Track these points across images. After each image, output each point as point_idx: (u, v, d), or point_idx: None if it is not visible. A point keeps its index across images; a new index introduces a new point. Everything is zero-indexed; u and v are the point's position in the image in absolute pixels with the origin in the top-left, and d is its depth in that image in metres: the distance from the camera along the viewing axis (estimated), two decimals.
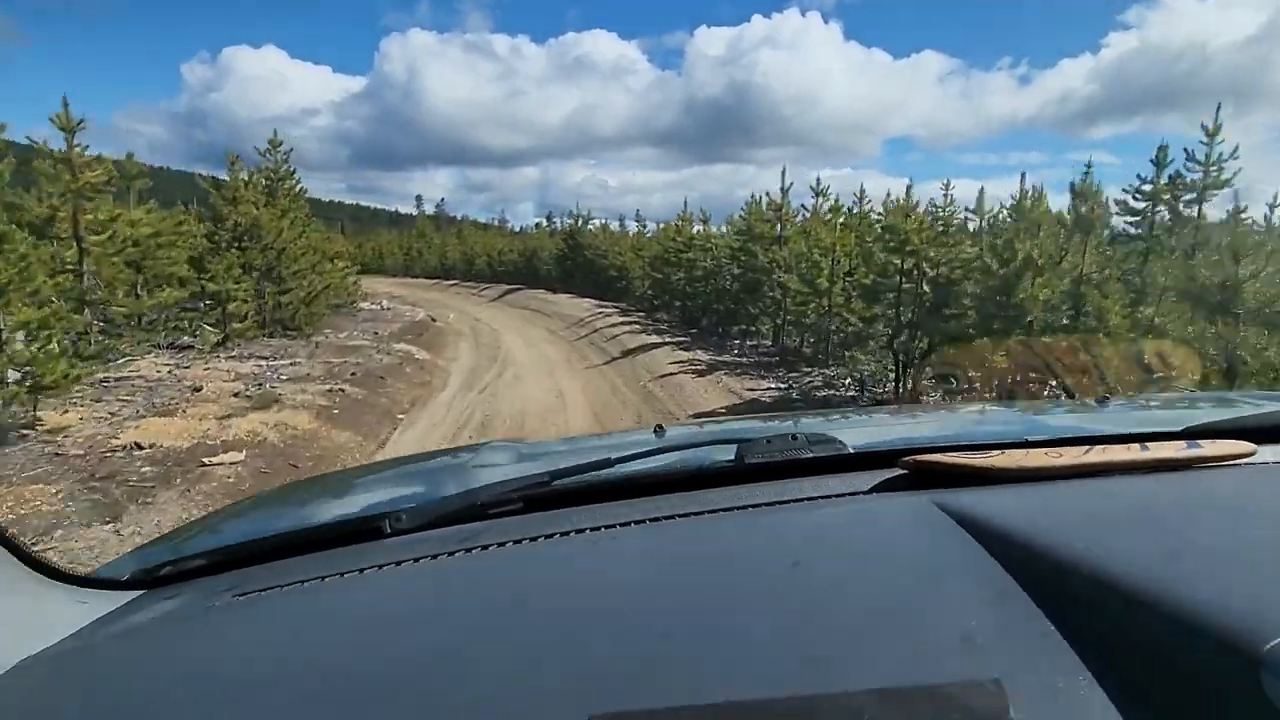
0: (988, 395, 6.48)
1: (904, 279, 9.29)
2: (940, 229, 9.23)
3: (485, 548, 0.71)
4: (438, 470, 1.28)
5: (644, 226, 22.08)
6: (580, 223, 25.43)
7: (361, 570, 0.69)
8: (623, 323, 16.24)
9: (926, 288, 9.15)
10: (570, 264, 25.50)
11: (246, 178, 11.84)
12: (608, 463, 0.84)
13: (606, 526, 0.72)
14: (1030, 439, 0.89)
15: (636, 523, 0.73)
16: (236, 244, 11.17)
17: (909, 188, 9.67)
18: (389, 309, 17.66)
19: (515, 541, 0.71)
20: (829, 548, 0.64)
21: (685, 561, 0.65)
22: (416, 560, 0.69)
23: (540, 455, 1.18)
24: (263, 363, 9.35)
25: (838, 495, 0.77)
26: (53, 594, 0.68)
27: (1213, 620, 0.42)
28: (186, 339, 10.19)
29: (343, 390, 7.95)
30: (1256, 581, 0.48)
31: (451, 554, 0.69)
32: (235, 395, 7.39)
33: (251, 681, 0.53)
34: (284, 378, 8.48)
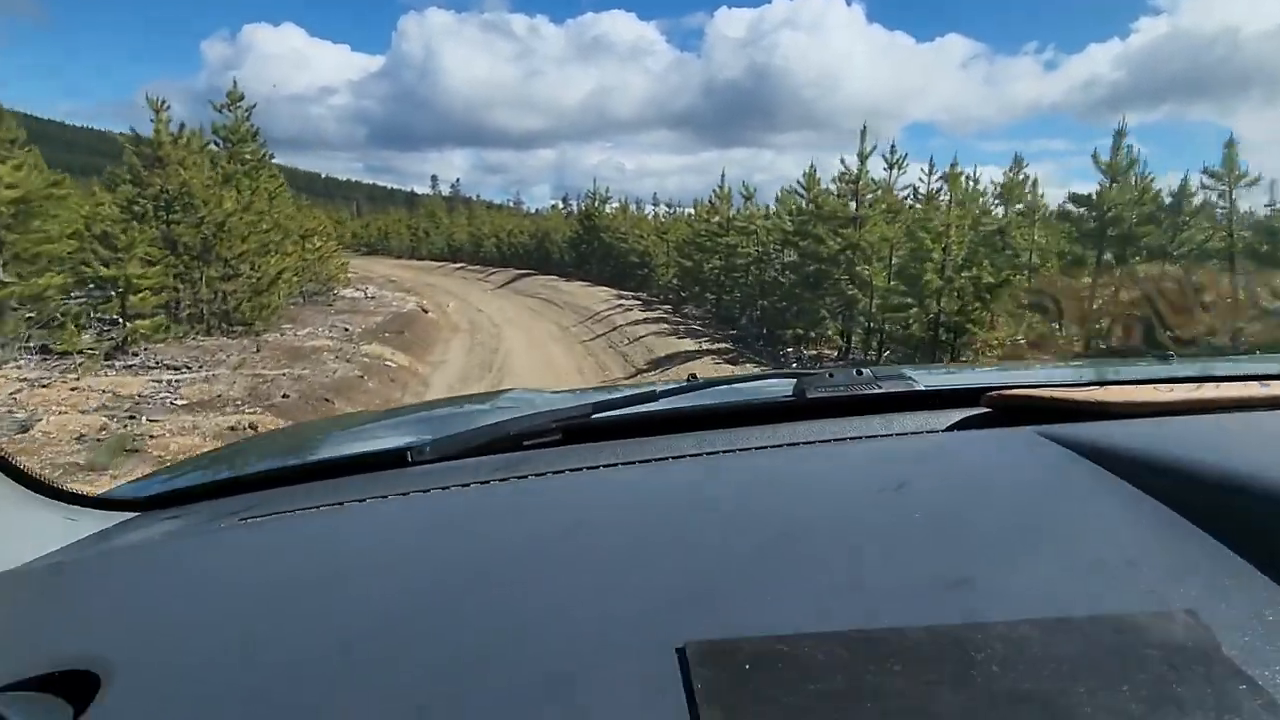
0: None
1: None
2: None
3: (523, 477, 0.63)
4: (461, 411, 1.15)
5: (670, 208, 19.34)
6: (597, 203, 22.80)
7: (385, 496, 0.62)
8: (646, 319, 13.70)
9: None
10: (585, 248, 22.88)
11: (178, 134, 9.32)
12: (652, 395, 0.76)
13: (658, 459, 0.65)
14: (1127, 379, 0.80)
15: (691, 456, 0.65)
16: (161, 216, 8.70)
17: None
18: (375, 297, 15.14)
19: (556, 472, 0.64)
20: (931, 474, 0.55)
21: (756, 489, 0.58)
22: (446, 488, 0.62)
23: (571, 401, 0.96)
24: (166, 377, 6.86)
25: (915, 433, 0.67)
26: (41, 509, 0.62)
27: None
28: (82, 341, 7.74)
29: (254, 426, 5.46)
30: None
31: (485, 483, 0.62)
32: (81, 438, 4.91)
33: (253, 603, 0.47)
34: (179, 402, 5.99)
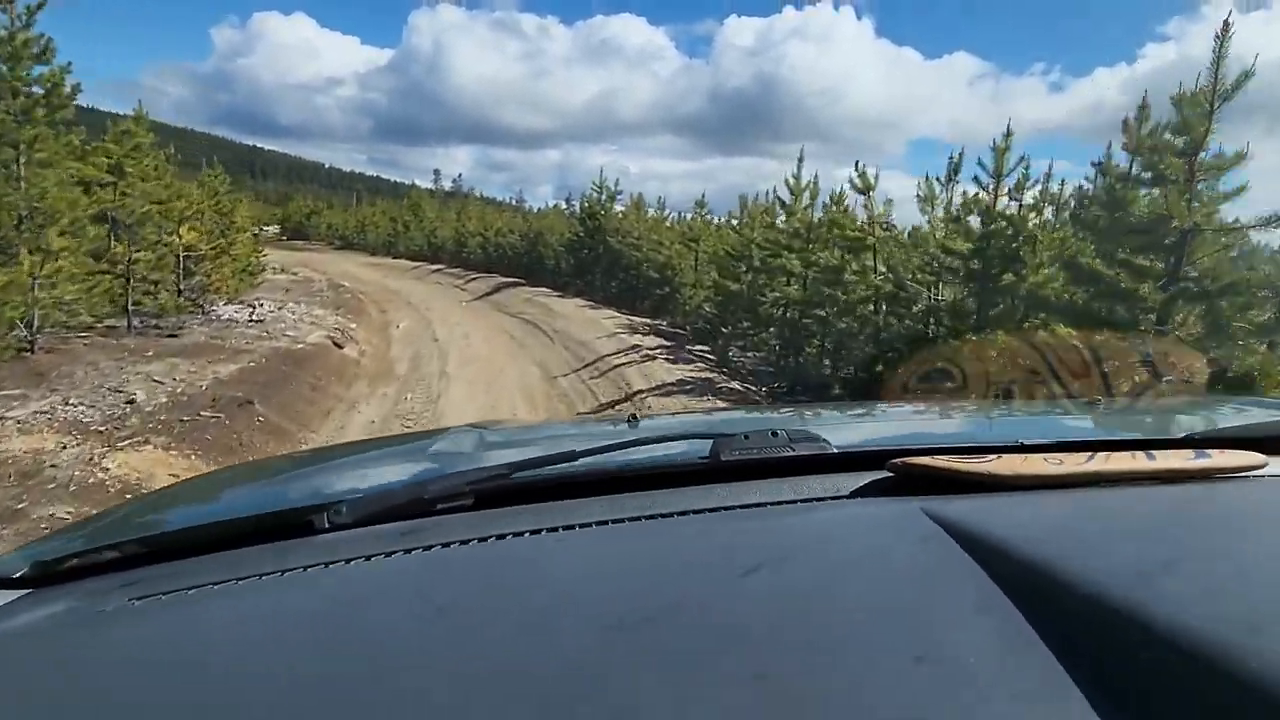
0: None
1: None
2: None
3: (429, 548, 0.61)
4: (393, 457, 1.15)
5: (704, 210, 14.28)
6: (604, 199, 17.83)
7: (283, 572, 0.59)
8: (677, 372, 8.86)
9: None
10: (587, 254, 17.91)
11: None
12: (571, 456, 0.74)
13: (564, 527, 0.64)
14: (1027, 443, 0.81)
15: (598, 523, 0.65)
16: None
17: None
18: (267, 318, 9.80)
19: (461, 542, 0.62)
20: (799, 555, 0.57)
21: (637, 569, 0.58)
22: (347, 561, 0.60)
23: (507, 444, 1.08)
24: None
25: (817, 499, 0.70)
26: None
27: (1203, 639, 0.38)
28: None
29: None
30: (1251, 601, 0.43)
31: (390, 554, 0.61)
32: None
33: (128, 705, 0.45)
34: None
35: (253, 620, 0.54)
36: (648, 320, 13.22)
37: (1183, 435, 0.84)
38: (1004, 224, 6.05)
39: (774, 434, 0.77)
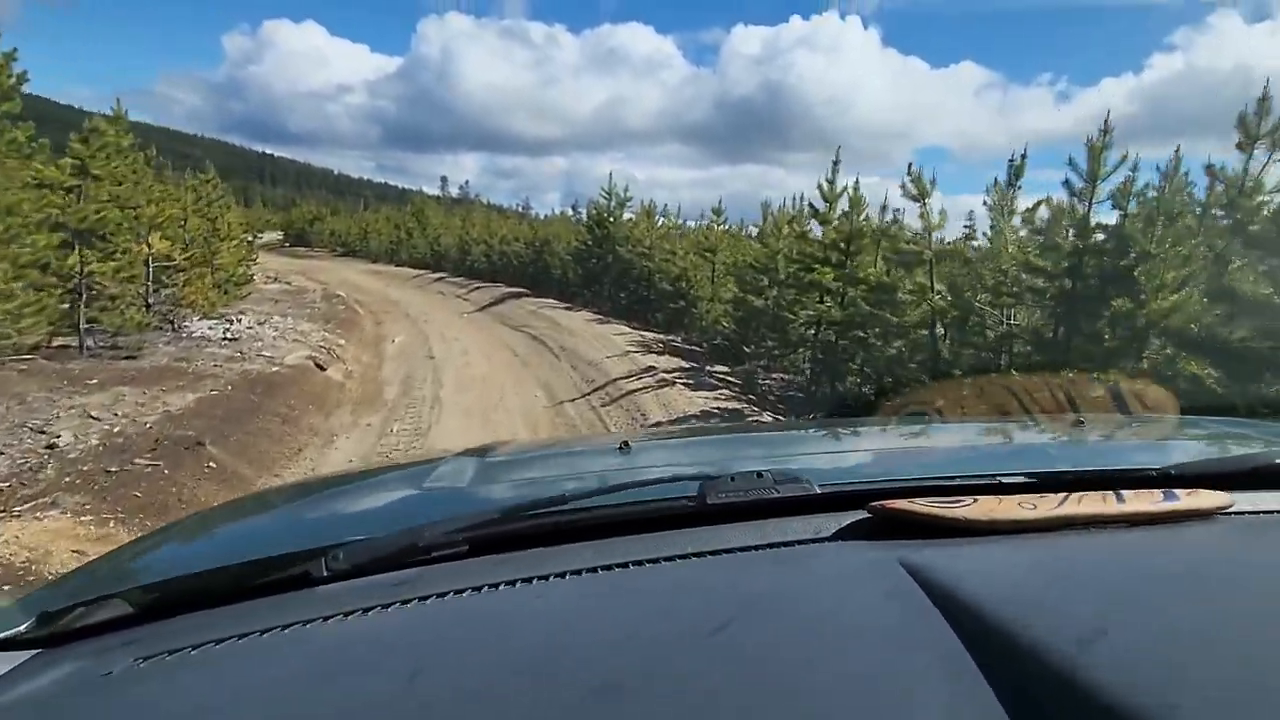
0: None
1: None
2: None
3: (419, 600, 0.62)
4: (391, 490, 1.12)
5: (720, 218, 13.22)
6: (613, 205, 16.92)
7: (285, 627, 0.59)
8: (699, 400, 7.89)
9: None
10: (596, 264, 17.00)
11: None
12: (562, 499, 0.75)
13: (554, 575, 0.65)
14: (1004, 478, 0.83)
15: (587, 570, 0.66)
16: None
17: None
18: (243, 335, 8.77)
19: (456, 592, 0.63)
20: (773, 610, 0.58)
21: (619, 622, 0.59)
22: (346, 615, 0.60)
23: (504, 476, 1.09)
24: None
25: (799, 542, 0.71)
26: None
27: (1142, 703, 0.39)
28: None
29: None
30: (1175, 672, 0.44)
31: (384, 607, 0.61)
32: None
33: None
34: None
35: (254, 684, 0.54)
36: (661, 336, 12.27)
37: (1156, 470, 0.85)
38: (1108, 237, 5.05)
39: (759, 475, 0.78)
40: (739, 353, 9.99)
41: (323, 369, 7.67)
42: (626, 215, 16.75)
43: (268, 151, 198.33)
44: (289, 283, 16.86)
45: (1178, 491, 0.73)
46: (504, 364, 10.12)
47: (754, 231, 12.24)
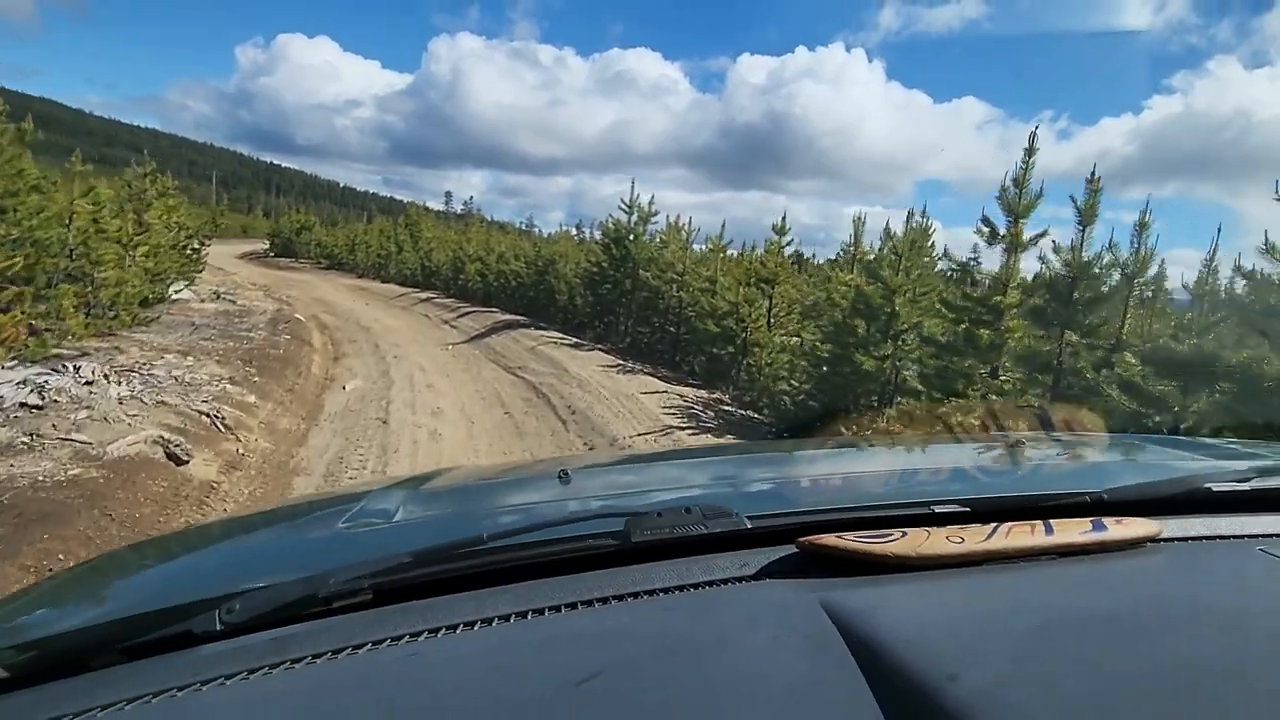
0: None
1: None
2: None
3: (314, 658, 0.57)
4: (304, 531, 1.07)
5: (785, 238, 9.96)
6: (635, 220, 13.91)
7: (176, 693, 0.54)
8: None
9: None
10: (611, 290, 13.98)
11: None
12: (479, 541, 0.70)
13: (466, 625, 0.62)
14: (937, 507, 0.81)
15: (501, 619, 0.63)
16: None
17: None
18: (68, 391, 5.22)
19: (354, 648, 0.59)
20: (687, 654, 0.56)
21: (527, 675, 0.56)
22: (226, 680, 0.55)
23: (424, 515, 1.01)
24: None
25: (724, 581, 0.70)
26: None
27: None
28: None
29: None
30: (1103, 709, 0.43)
31: (274, 667, 0.56)
32: None
33: None
34: None
35: None
36: (704, 394, 9.21)
37: (1090, 495, 0.83)
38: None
39: (687, 510, 0.76)
40: (826, 427, 6.88)
41: (180, 461, 4.55)
42: (653, 229, 13.75)
43: (275, 162, 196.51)
44: (236, 301, 13.78)
45: (1106, 521, 0.73)
46: (489, 430, 7.02)
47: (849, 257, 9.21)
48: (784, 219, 9.54)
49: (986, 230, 5.51)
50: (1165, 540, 0.74)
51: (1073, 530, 0.71)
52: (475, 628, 0.61)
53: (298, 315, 13.38)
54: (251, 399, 6.60)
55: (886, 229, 7.98)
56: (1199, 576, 0.69)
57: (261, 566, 0.83)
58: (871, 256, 7.62)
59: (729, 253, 12.20)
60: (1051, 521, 0.73)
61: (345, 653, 0.58)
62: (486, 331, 14.17)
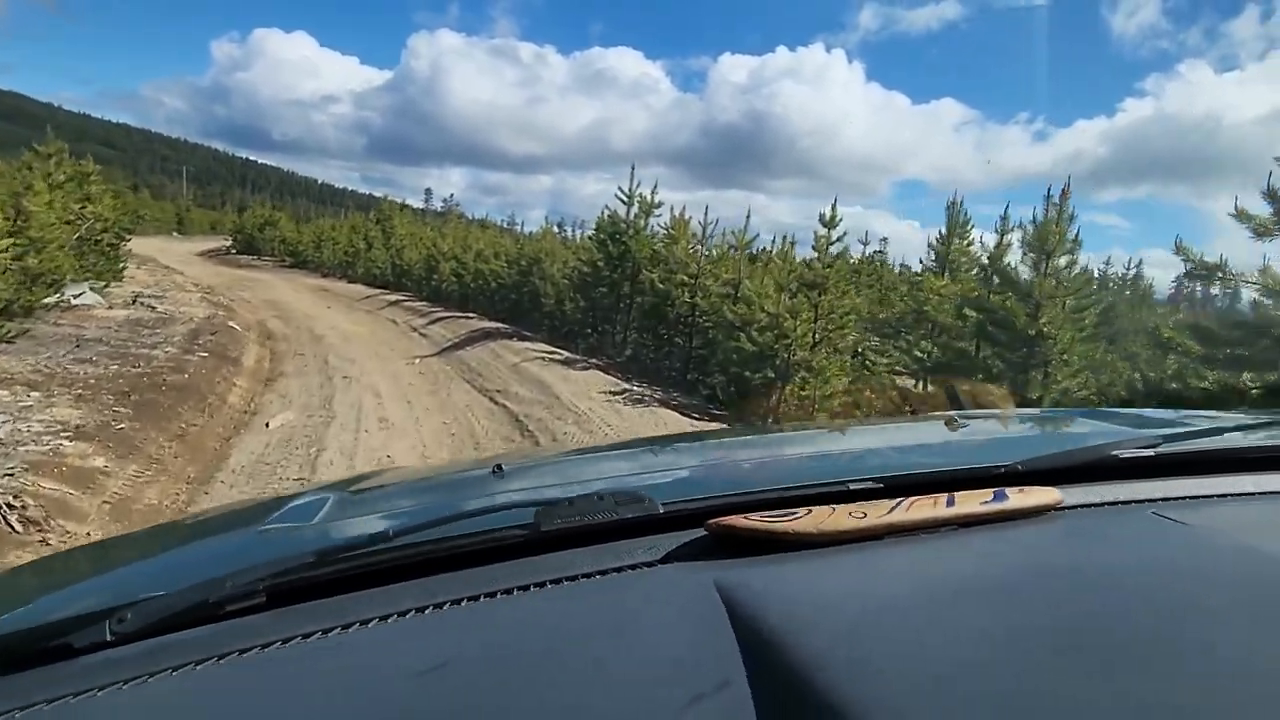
0: None
1: None
2: None
3: (197, 664, 0.55)
4: (217, 537, 1.06)
5: (832, 232, 7.86)
6: (636, 213, 11.83)
7: (71, 698, 0.54)
8: None
9: None
10: (608, 294, 11.92)
11: None
12: (384, 537, 0.68)
13: (362, 622, 0.60)
14: (853, 484, 0.80)
15: (400, 614, 0.61)
16: None
17: None
18: None
19: (240, 652, 0.56)
20: (580, 640, 0.56)
21: (429, 665, 0.54)
22: (98, 691, 0.53)
23: (343, 516, 0.96)
24: None
25: (632, 566, 0.69)
26: None
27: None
28: None
29: None
30: (970, 677, 0.43)
31: (151, 676, 0.55)
32: None
33: None
34: None
35: None
36: (735, 424, 7.21)
37: (1005, 467, 0.83)
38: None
39: (600, 498, 0.75)
40: None
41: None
42: (655, 223, 11.71)
43: (251, 158, 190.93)
44: (158, 307, 11.50)
45: (1008, 491, 0.74)
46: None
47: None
48: (834, 206, 7.53)
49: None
50: (1068, 508, 0.75)
51: (973, 501, 0.72)
52: (370, 625, 0.59)
53: (233, 324, 11.15)
54: (101, 461, 4.45)
55: (957, 210, 5.92)
56: (1092, 541, 0.69)
57: (165, 575, 0.81)
58: (976, 255, 5.66)
59: (759, 249, 10.18)
60: (954, 494, 0.74)
61: (230, 657, 0.56)
62: (461, 342, 12.04)
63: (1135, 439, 0.90)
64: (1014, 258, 5.14)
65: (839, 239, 7.64)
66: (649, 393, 8.55)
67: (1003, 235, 5.91)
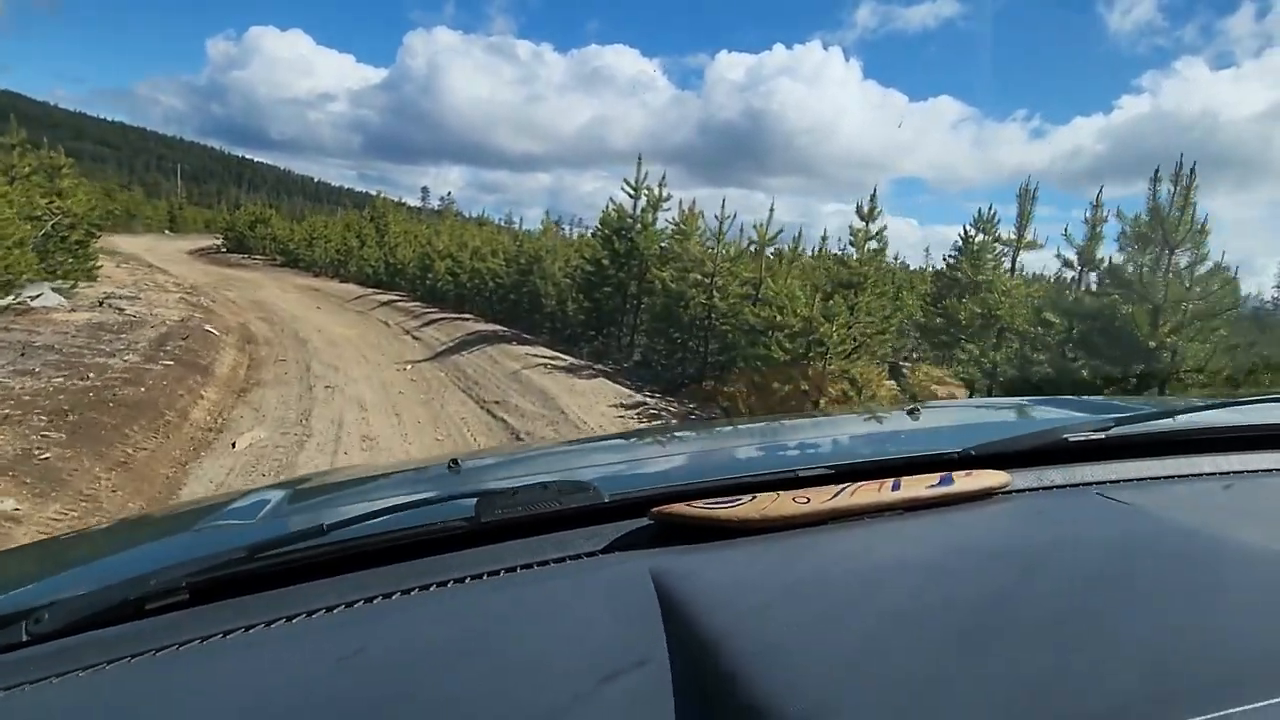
0: None
1: None
2: None
3: (111, 663, 0.53)
4: (152, 537, 1.02)
5: (873, 223, 7.03)
6: (644, 207, 11.00)
7: None
8: None
9: None
10: (612, 295, 11.11)
11: None
12: (318, 532, 0.65)
13: (288, 618, 0.58)
14: (801, 472, 0.78)
15: (328, 609, 0.59)
16: None
17: None
18: None
19: (157, 650, 0.54)
20: (511, 631, 0.54)
21: (359, 660, 0.52)
22: (4, 690, 0.52)
23: (292, 513, 0.94)
24: None
25: (573, 557, 0.67)
26: None
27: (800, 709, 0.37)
28: None
29: None
30: (880, 665, 0.42)
31: (59, 676, 0.53)
32: None
33: None
34: None
35: None
36: None
37: (955, 454, 0.82)
38: None
39: (544, 487, 0.73)
40: None
41: None
42: (663, 218, 10.89)
43: (248, 156, 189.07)
44: (128, 309, 10.65)
45: (955, 475, 0.73)
46: None
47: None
48: (874, 195, 6.70)
49: None
50: (1015, 491, 0.75)
51: (919, 485, 0.72)
52: (295, 620, 0.57)
53: (210, 328, 10.30)
54: (10, 503, 3.62)
55: (1029, 199, 5.12)
56: (1032, 522, 0.69)
57: (91, 576, 0.77)
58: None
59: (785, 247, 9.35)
60: (900, 479, 0.73)
61: (144, 655, 0.54)
62: (456, 346, 11.21)
63: (1087, 423, 0.89)
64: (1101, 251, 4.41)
65: (877, 233, 6.80)
66: (664, 405, 7.74)
67: (1094, 226, 5.11)
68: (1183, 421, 0.92)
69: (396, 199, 29.84)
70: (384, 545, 0.67)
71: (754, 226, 8.47)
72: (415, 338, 12.42)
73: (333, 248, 25.19)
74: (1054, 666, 0.39)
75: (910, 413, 1.26)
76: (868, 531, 0.66)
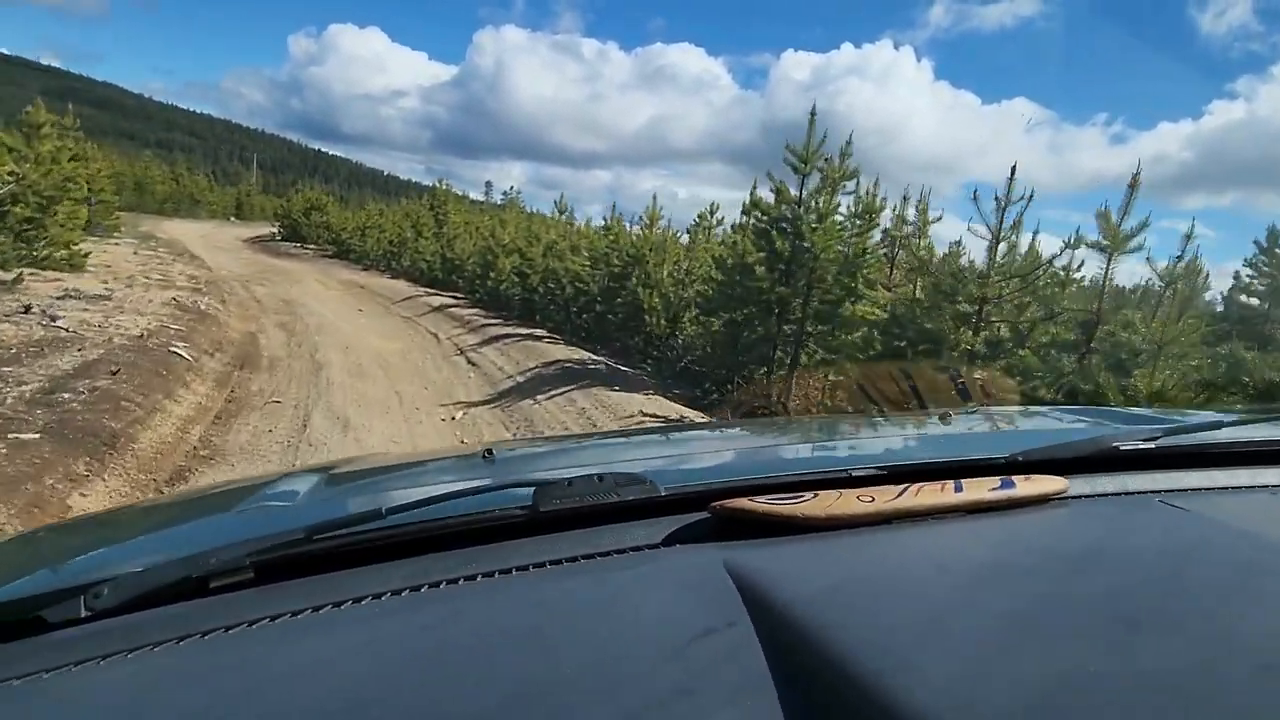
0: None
1: None
2: None
3: (178, 641, 0.52)
4: (201, 515, 0.99)
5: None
6: (818, 192, 7.20)
7: (46, 672, 0.51)
8: None
9: None
10: (762, 316, 7.35)
11: None
12: (377, 515, 0.64)
13: (354, 600, 0.57)
14: (854, 472, 0.79)
15: (393, 593, 0.58)
16: None
17: None
18: None
19: (227, 629, 0.53)
20: (582, 623, 0.53)
21: (421, 645, 0.51)
22: (74, 665, 0.51)
23: (332, 494, 0.94)
24: None
25: (634, 549, 0.67)
26: None
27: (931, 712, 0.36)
28: None
29: None
30: (998, 659, 0.42)
31: (131, 652, 0.52)
32: None
33: None
34: None
35: None
36: None
37: (1005, 458, 0.82)
38: None
39: (600, 479, 0.72)
40: None
41: None
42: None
43: (323, 149, 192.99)
44: (60, 319, 7.43)
45: (1015, 479, 0.73)
46: None
47: None
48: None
49: None
50: (1072, 497, 0.75)
51: (982, 488, 0.71)
52: (363, 603, 0.57)
53: (178, 348, 6.96)
54: None
55: None
56: (1100, 527, 0.69)
57: (144, 552, 0.74)
58: None
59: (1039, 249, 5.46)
60: (962, 480, 0.73)
61: (215, 633, 0.54)
62: (529, 382, 7.62)
63: (1135, 433, 0.89)
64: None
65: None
66: None
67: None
68: (1230, 434, 0.91)
69: (460, 192, 26.64)
70: (442, 531, 0.66)
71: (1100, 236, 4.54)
72: (471, 361, 8.91)
73: (386, 239, 22.13)
74: (1187, 667, 0.39)
75: (943, 417, 1.25)
76: (940, 532, 0.65)
